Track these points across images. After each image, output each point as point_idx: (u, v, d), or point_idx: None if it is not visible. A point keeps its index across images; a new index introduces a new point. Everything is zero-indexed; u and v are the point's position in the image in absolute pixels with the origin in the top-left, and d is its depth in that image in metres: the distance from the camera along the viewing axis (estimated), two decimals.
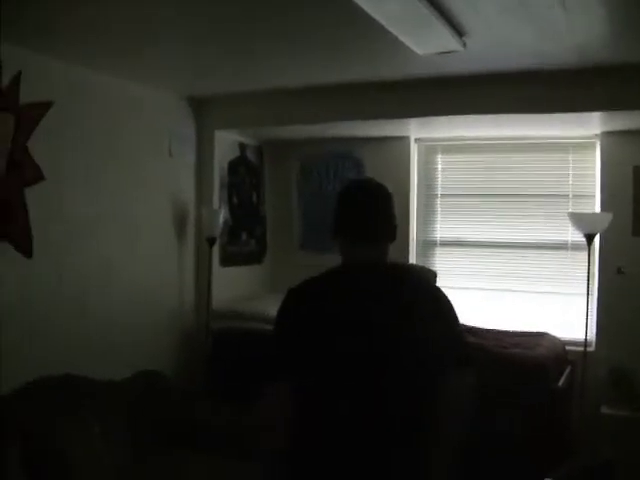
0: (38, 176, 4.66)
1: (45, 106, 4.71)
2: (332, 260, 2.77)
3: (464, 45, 4.30)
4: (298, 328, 2.64)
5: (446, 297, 2.70)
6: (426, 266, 6.10)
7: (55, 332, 4.85)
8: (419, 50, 4.39)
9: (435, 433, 2.60)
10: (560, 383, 5.27)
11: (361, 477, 2.55)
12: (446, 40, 4.16)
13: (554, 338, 5.86)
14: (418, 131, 6.60)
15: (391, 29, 3.95)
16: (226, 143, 6.71)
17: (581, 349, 5.69)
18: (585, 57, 4.71)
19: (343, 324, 2.56)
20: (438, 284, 5.95)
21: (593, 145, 6.15)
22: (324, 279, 2.72)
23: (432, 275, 5.42)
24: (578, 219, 5.65)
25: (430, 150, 6.84)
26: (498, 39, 4.35)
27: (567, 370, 5.56)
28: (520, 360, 5.23)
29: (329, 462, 2.58)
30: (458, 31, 4.12)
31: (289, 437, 2.64)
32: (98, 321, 5.29)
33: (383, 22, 3.82)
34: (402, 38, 4.12)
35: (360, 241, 2.69)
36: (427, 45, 4.30)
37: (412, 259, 6.63)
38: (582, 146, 6.25)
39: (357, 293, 2.61)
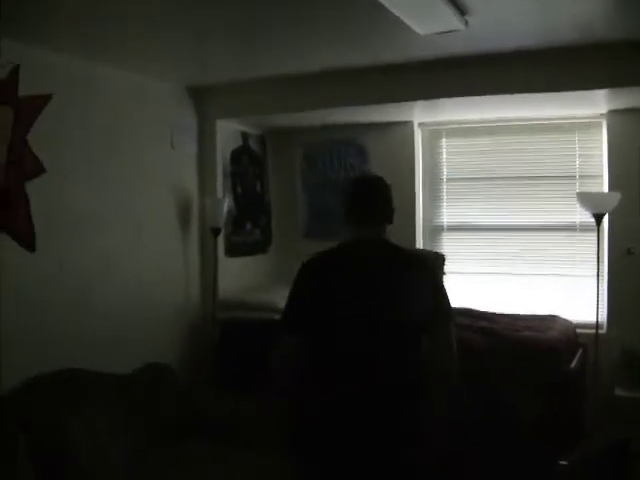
0: (39, 169, 4.63)
1: (44, 99, 4.67)
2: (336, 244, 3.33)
3: (466, 24, 4.24)
4: (308, 292, 3.26)
5: (433, 267, 3.52)
6: (434, 250, 6.02)
7: (59, 325, 4.80)
8: (421, 30, 4.33)
9: (427, 374, 3.23)
10: (572, 365, 5.23)
11: (360, 418, 3.14)
12: (448, 19, 4.10)
13: (565, 321, 5.80)
14: (421, 115, 6.54)
15: (392, 9, 3.89)
16: (228, 133, 6.66)
17: (592, 331, 5.63)
18: (589, 34, 4.64)
19: (345, 288, 3.20)
20: (447, 269, 5.94)
21: (599, 125, 6.08)
22: (331, 252, 3.37)
23: (440, 259, 5.37)
24: (586, 199, 5.58)
25: (434, 134, 6.77)
26: (500, 17, 4.28)
27: (579, 353, 5.50)
28: (532, 343, 5.19)
29: (333, 408, 3.20)
30: (460, 9, 4.06)
31: (297, 385, 3.33)
32: (102, 314, 5.25)
33: (384, 1, 3.75)
34: (403, 18, 4.06)
35: (362, 223, 3.36)
36: (429, 25, 4.24)
37: (419, 245, 6.57)
38: (588, 126, 6.17)
39: (357, 263, 3.26)
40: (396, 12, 3.94)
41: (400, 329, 3.17)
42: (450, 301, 3.33)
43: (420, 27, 4.27)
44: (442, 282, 3.38)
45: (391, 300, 3.17)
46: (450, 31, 4.34)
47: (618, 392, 5.42)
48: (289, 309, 3.32)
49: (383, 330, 3.15)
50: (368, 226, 3.35)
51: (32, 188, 4.60)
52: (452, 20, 4.12)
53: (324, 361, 3.25)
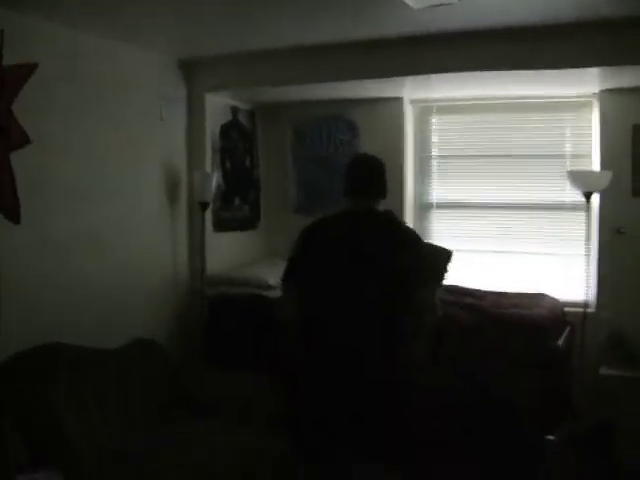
0: (24, 139, 4.53)
1: (30, 68, 4.56)
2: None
3: None
4: (306, 252, 3.84)
5: (419, 239, 3.91)
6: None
7: (45, 300, 4.76)
8: (414, 4, 4.28)
9: (407, 327, 3.67)
10: (559, 343, 5.23)
11: (346, 362, 3.61)
12: None
13: (553, 299, 5.82)
14: (412, 92, 6.50)
15: None
16: (218, 107, 6.60)
17: (580, 310, 5.65)
18: (583, 10, 4.60)
19: (339, 251, 3.69)
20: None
21: (591, 104, 6.07)
22: (328, 219, 3.90)
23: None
24: (577, 177, 5.58)
25: (425, 111, 6.74)
26: None
27: (566, 331, 5.52)
28: (519, 320, 5.21)
29: (324, 351, 3.69)
30: None
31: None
32: (89, 289, 5.19)
33: None
34: None
35: (358, 197, 3.84)
36: None
37: (408, 221, 6.52)
38: (580, 105, 6.16)
39: (350, 230, 3.73)
40: None
41: (382, 292, 3.60)
42: (436, 268, 3.95)
43: (413, 0, 4.23)
44: (423, 254, 3.82)
45: (374, 265, 3.63)
46: (443, 4, 4.30)
47: (604, 371, 5.43)
48: (287, 268, 3.94)
49: (367, 293, 3.62)
50: (362, 199, 3.82)
51: (17, 161, 4.50)
52: None
53: (312, 319, 3.78)
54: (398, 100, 6.60)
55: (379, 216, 3.85)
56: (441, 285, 4.88)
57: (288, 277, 3.94)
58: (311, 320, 3.80)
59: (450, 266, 4.96)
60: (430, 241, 5.37)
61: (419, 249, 3.82)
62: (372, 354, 3.63)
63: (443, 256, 5.29)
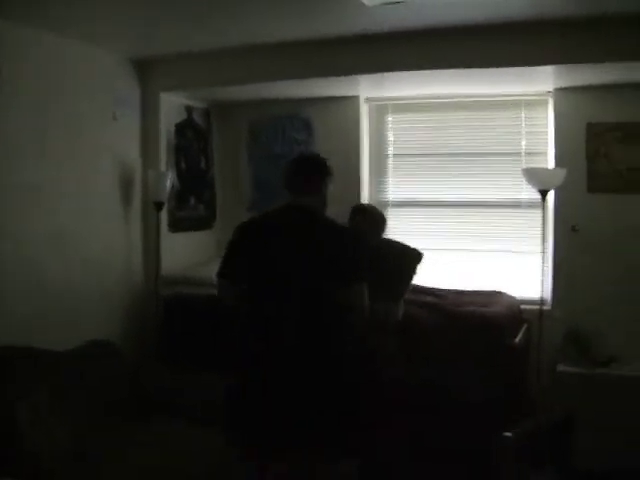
0: None
1: None
2: None
3: None
4: (240, 249, 3.93)
5: (354, 236, 4.02)
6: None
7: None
8: (367, 1, 4.28)
9: (339, 320, 3.74)
10: (516, 340, 5.26)
11: (283, 349, 3.69)
12: None
13: (509, 297, 5.86)
14: (368, 90, 6.49)
15: None
16: (172, 106, 6.55)
17: (536, 308, 5.67)
18: (538, 9, 4.64)
19: (271, 247, 3.80)
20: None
21: (545, 102, 6.10)
22: (262, 215, 4.07)
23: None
24: (532, 175, 5.60)
25: (380, 109, 6.73)
26: None
27: (523, 329, 5.55)
28: (476, 318, 5.24)
29: (261, 338, 3.78)
30: None
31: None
32: (44, 289, 5.15)
33: None
34: None
35: (293, 193, 3.93)
36: None
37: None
38: (534, 103, 6.19)
39: (283, 227, 3.85)
40: None
41: (311, 285, 3.71)
42: (365, 265, 3.76)
43: None
44: (360, 250, 3.82)
45: (304, 259, 3.72)
46: (397, 2, 4.29)
47: (561, 368, 5.46)
48: (223, 264, 3.96)
49: (295, 284, 3.72)
50: (298, 195, 3.91)
51: None
52: None
53: (249, 313, 3.88)
54: (354, 99, 6.58)
55: (309, 212, 3.89)
56: (408, 286, 4.88)
57: (223, 273, 3.97)
58: (249, 313, 3.89)
59: (419, 267, 4.95)
60: (400, 240, 5.31)
61: (353, 250, 3.82)
62: (307, 346, 3.70)
63: (409, 257, 5.26)
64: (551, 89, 5.96)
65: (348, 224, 4.79)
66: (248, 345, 3.85)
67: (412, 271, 4.95)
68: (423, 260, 4.94)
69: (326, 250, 3.73)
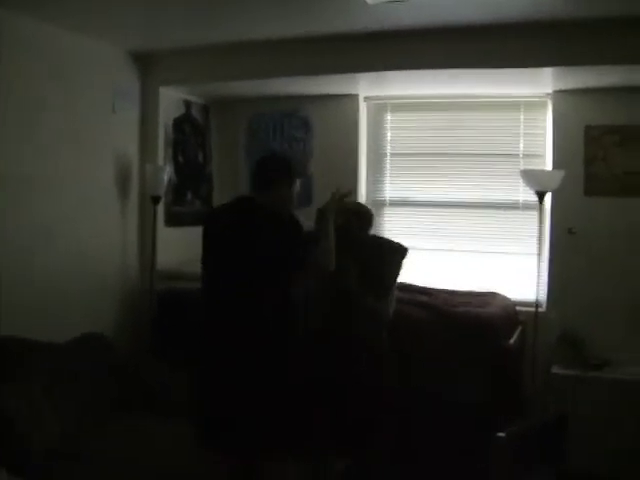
0: None
1: None
2: None
3: None
4: (205, 236, 4.05)
5: (297, 226, 3.93)
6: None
7: None
8: None
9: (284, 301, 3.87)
10: (511, 342, 5.25)
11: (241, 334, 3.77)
12: None
13: (504, 298, 5.85)
14: (367, 89, 6.50)
15: None
16: (171, 100, 6.55)
17: (532, 310, 5.66)
18: (539, 10, 4.64)
19: (226, 237, 3.93)
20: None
21: (544, 104, 6.10)
22: (222, 207, 4.28)
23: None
24: (530, 176, 5.60)
25: (379, 108, 6.73)
26: None
27: (518, 330, 5.54)
28: (471, 318, 5.23)
29: (223, 322, 3.86)
30: None
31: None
32: (39, 281, 5.15)
33: None
34: None
35: (255, 189, 4.05)
36: None
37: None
38: (533, 105, 6.19)
39: (236, 220, 3.95)
40: None
41: (263, 274, 3.80)
42: (304, 251, 3.87)
43: None
44: (301, 239, 3.89)
45: (257, 252, 3.79)
46: (398, 0, 4.29)
47: (555, 370, 5.48)
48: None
49: (251, 274, 3.80)
50: (258, 191, 4.01)
51: None
52: None
53: (207, 302, 4.03)
54: (353, 97, 6.59)
55: (257, 207, 3.97)
56: (395, 281, 4.85)
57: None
58: (207, 303, 4.03)
59: (404, 262, 4.92)
60: (385, 236, 5.31)
61: (294, 239, 3.91)
62: (260, 336, 3.79)
63: (394, 252, 5.24)
64: (550, 91, 5.96)
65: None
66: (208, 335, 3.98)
67: (397, 266, 4.92)
68: (408, 255, 4.92)
69: (260, 241, 3.83)
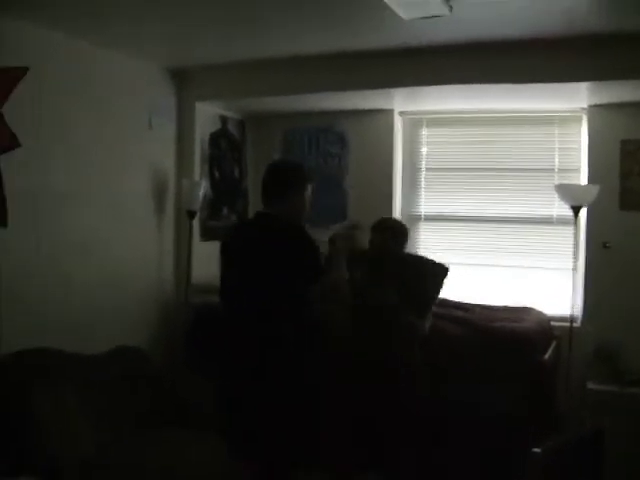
0: (14, 143, 4.52)
1: (21, 71, 4.55)
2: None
3: (450, 9, 4.20)
4: (221, 252, 4.02)
5: (310, 243, 3.71)
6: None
7: (32, 305, 4.75)
8: (404, 14, 4.29)
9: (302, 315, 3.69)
10: (546, 357, 5.23)
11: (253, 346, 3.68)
12: (432, 3, 4.07)
13: (540, 313, 5.82)
14: (402, 104, 6.51)
15: None
16: (207, 116, 6.61)
17: (567, 324, 5.64)
18: (573, 24, 4.63)
19: (240, 254, 3.85)
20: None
21: (579, 119, 6.08)
22: (238, 223, 4.59)
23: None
24: (565, 191, 5.58)
25: (415, 123, 6.74)
26: (484, 3, 4.25)
27: (553, 345, 5.52)
28: (506, 333, 5.21)
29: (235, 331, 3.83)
30: None
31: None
32: (76, 294, 5.20)
33: None
34: (387, 1, 4.02)
35: (262, 203, 3.95)
36: (412, 9, 4.20)
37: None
38: (568, 119, 6.17)
39: (250, 236, 3.89)
40: None
41: (279, 288, 3.66)
42: (320, 265, 3.74)
43: (404, 11, 4.23)
44: (316, 255, 3.73)
45: (265, 263, 3.68)
46: (434, 16, 4.30)
47: (590, 385, 5.43)
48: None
49: (267, 289, 3.67)
50: (265, 205, 3.92)
51: (6, 164, 4.50)
52: (436, 4, 4.08)
53: (226, 316, 3.96)
54: (388, 112, 6.60)
55: (273, 220, 3.85)
56: (435, 300, 4.85)
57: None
58: (226, 317, 3.97)
59: (445, 282, 4.90)
60: (426, 255, 5.27)
61: (309, 255, 3.75)
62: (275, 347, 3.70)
63: (436, 272, 5.21)
64: (585, 106, 5.95)
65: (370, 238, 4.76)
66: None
67: (439, 285, 4.92)
68: (449, 275, 4.91)
69: (273, 257, 3.68)
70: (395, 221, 5.28)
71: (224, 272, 3.97)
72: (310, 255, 3.69)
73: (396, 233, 4.77)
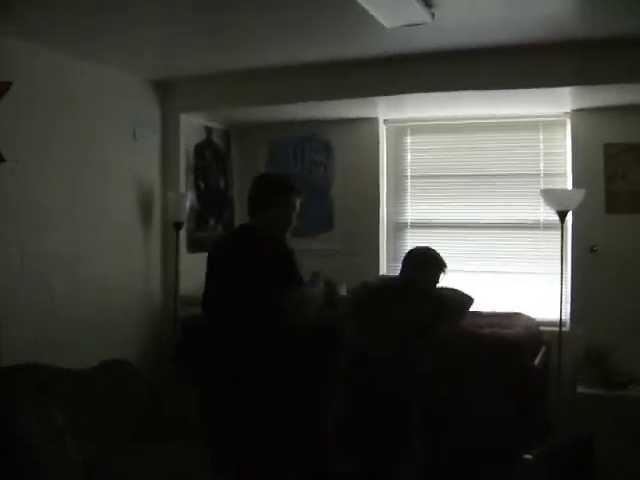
0: None
1: (4, 86, 4.53)
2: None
3: (432, 16, 4.21)
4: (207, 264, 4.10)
5: (289, 255, 3.81)
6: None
7: (18, 320, 4.72)
8: (387, 23, 4.29)
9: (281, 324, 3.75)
10: (535, 362, 5.23)
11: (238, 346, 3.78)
12: (414, 11, 4.07)
13: (528, 318, 5.82)
14: (387, 112, 6.52)
15: (359, 0, 3.85)
16: (192, 127, 6.60)
17: (556, 329, 5.65)
18: (556, 31, 4.66)
19: (221, 266, 3.99)
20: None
21: (563, 123, 6.11)
22: (222, 235, 4.57)
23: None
24: (551, 196, 5.60)
25: (399, 131, 6.75)
26: (467, 10, 4.27)
27: (542, 350, 5.52)
28: (495, 340, 5.20)
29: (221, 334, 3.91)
30: (426, 1, 4.04)
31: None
32: (62, 309, 5.17)
33: None
34: (370, 9, 4.02)
35: (249, 214, 4.05)
36: (395, 17, 4.20)
37: (383, 241, 6.59)
38: (552, 124, 6.20)
39: (231, 249, 4.02)
40: (363, 3, 3.90)
41: (261, 297, 3.72)
42: (299, 273, 3.81)
43: (386, 19, 4.23)
44: (294, 267, 3.81)
45: (244, 276, 3.77)
46: (416, 24, 4.31)
47: (580, 389, 5.45)
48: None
49: (248, 297, 3.75)
50: (251, 216, 4.03)
51: None
52: (418, 12, 4.08)
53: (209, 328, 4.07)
54: (372, 120, 6.62)
55: (251, 232, 3.99)
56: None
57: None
58: (208, 328, 4.08)
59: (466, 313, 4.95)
60: (453, 287, 5.24)
61: (288, 266, 3.84)
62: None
63: (463, 309, 5.18)
64: (569, 110, 5.97)
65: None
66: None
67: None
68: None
69: (252, 270, 3.77)
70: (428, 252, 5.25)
71: (206, 284, 4.07)
72: (287, 267, 3.78)
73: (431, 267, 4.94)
